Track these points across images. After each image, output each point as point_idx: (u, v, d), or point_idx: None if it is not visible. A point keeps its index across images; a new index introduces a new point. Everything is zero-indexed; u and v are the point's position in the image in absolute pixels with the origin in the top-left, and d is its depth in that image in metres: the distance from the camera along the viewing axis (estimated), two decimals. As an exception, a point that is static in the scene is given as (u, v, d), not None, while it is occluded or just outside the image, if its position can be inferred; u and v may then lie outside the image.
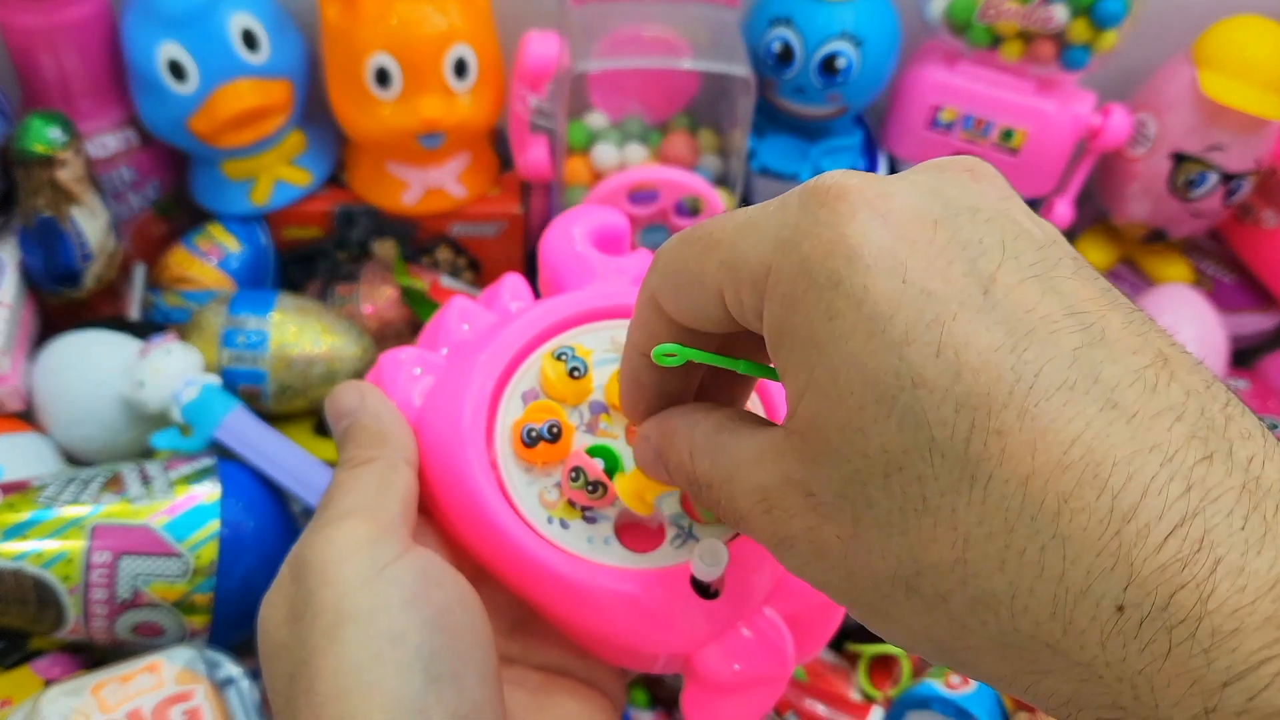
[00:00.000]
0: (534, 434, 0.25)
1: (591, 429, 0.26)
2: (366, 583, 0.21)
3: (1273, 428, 0.59)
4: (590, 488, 0.24)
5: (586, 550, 0.24)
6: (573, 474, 0.24)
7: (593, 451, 0.25)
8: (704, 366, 0.22)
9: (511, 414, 0.26)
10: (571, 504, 0.25)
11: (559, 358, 0.26)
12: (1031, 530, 0.15)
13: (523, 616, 0.26)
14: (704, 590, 0.24)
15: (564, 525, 0.24)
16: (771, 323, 0.17)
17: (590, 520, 0.25)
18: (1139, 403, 0.15)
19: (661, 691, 0.51)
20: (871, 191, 0.17)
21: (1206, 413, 0.15)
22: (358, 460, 0.24)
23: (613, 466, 0.25)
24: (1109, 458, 0.15)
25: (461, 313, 0.28)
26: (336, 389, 0.26)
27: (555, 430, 0.25)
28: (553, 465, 0.25)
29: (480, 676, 0.21)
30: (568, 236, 0.29)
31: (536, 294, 0.29)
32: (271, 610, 0.22)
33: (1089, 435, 0.15)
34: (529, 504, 0.25)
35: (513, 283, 0.29)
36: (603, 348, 0.27)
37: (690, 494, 0.21)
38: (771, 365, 0.19)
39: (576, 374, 0.26)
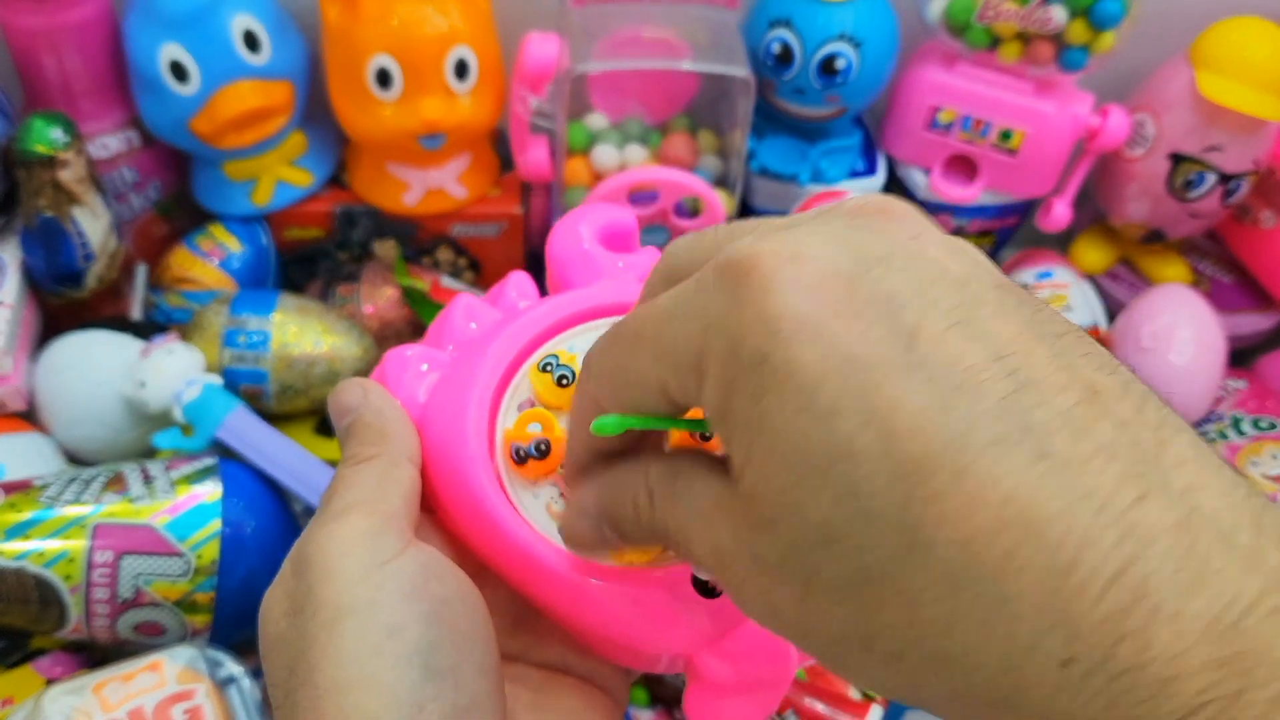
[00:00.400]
0: (522, 453, 0.25)
1: None
2: (366, 577, 0.21)
3: (1271, 428, 0.59)
4: None
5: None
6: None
7: None
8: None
9: (512, 415, 0.26)
10: None
11: (544, 369, 0.26)
12: (976, 592, 0.15)
13: (524, 614, 0.26)
14: (706, 590, 0.23)
15: None
16: (710, 405, 0.18)
17: None
18: (1069, 448, 0.15)
19: (662, 690, 0.51)
20: (783, 257, 0.17)
21: (1140, 444, 0.15)
22: (360, 457, 0.24)
23: None
24: (1044, 512, 0.15)
25: (467, 310, 0.28)
26: (339, 386, 0.26)
27: (544, 448, 0.25)
28: (546, 478, 0.25)
29: (479, 670, 0.21)
30: (575, 234, 0.29)
31: (543, 292, 0.29)
32: (272, 604, 0.22)
33: (1023, 491, 0.15)
34: (530, 503, 0.25)
35: (519, 280, 0.29)
36: None
37: (643, 544, 0.21)
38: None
39: (565, 382, 0.26)
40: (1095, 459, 0.15)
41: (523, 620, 0.26)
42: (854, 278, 0.16)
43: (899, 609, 0.16)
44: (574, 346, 0.27)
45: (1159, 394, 0.17)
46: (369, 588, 0.21)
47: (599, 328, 0.27)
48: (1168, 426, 0.16)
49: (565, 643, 0.25)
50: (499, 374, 0.26)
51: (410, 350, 0.27)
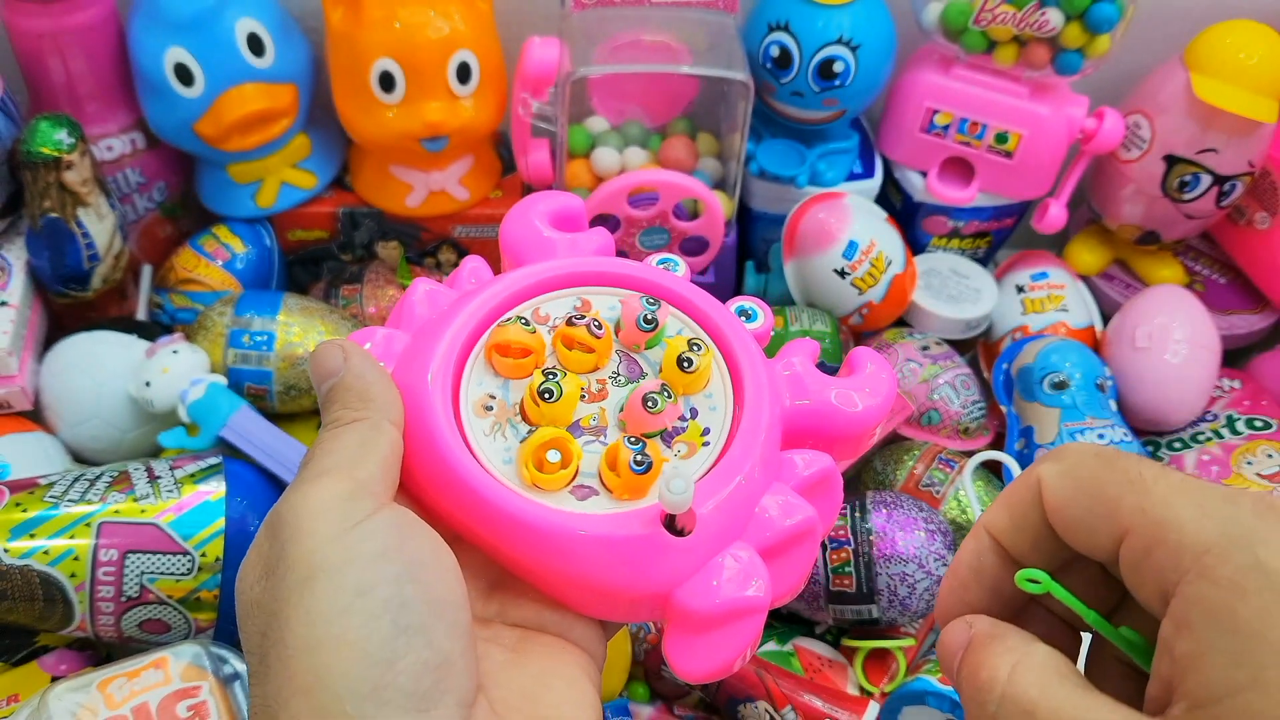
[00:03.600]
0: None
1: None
2: (338, 538, 0.21)
3: (1265, 427, 0.60)
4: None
5: (553, 498, 0.25)
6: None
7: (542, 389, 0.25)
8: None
9: (476, 378, 0.26)
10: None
11: (506, 322, 0.27)
12: None
13: (499, 578, 0.26)
14: (675, 528, 0.24)
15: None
16: (1198, 601, 0.18)
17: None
18: None
19: (662, 687, 0.52)
20: None
21: None
22: (341, 420, 0.24)
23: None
24: None
25: (427, 294, 0.29)
26: (318, 349, 0.26)
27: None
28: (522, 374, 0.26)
29: (451, 628, 0.21)
30: (526, 218, 0.30)
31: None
32: (247, 569, 0.22)
33: None
34: (497, 460, 0.25)
35: (474, 264, 0.30)
36: (559, 313, 0.28)
37: (970, 706, 0.21)
38: (1138, 636, 0.20)
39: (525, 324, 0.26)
40: None
41: (497, 584, 0.26)
42: None
43: None
44: (544, 310, 0.28)
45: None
46: (340, 548, 0.21)
47: (559, 297, 0.28)
48: None
49: (540, 602, 0.25)
50: (460, 343, 0.26)
51: (379, 332, 0.27)
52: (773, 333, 0.38)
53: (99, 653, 0.50)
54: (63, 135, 0.52)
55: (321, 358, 0.25)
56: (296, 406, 0.58)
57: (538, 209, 0.30)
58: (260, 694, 0.21)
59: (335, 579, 0.21)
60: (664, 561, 0.24)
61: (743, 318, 0.29)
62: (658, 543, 0.24)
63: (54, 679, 0.47)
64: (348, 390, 0.25)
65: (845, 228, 0.60)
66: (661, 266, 0.30)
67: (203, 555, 0.46)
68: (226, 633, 0.47)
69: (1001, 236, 0.69)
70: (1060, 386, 0.59)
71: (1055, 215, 0.64)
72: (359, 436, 0.24)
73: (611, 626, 0.27)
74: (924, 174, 0.65)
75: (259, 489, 0.50)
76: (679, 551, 0.24)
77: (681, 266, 0.30)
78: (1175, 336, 0.61)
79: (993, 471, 0.59)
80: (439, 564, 0.22)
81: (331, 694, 0.20)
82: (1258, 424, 0.61)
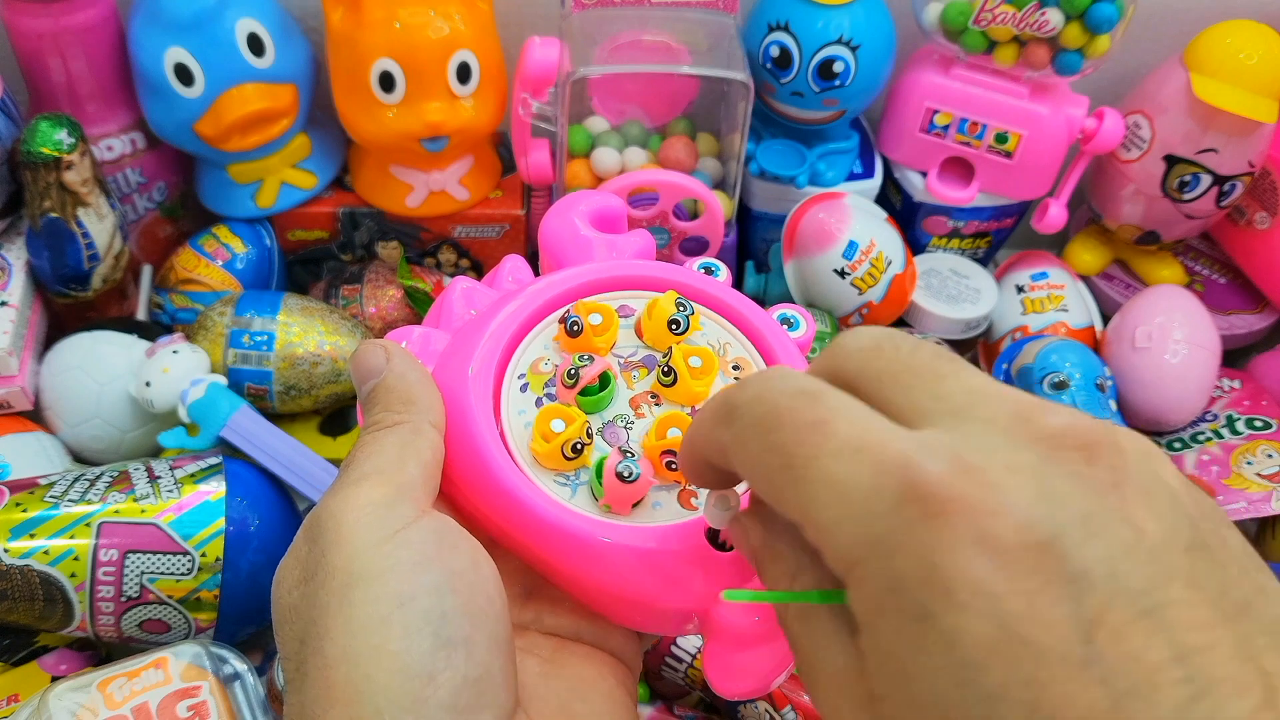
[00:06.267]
0: (577, 326, 0.26)
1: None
2: (378, 545, 0.21)
3: (1265, 427, 0.60)
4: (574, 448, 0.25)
5: (595, 509, 0.24)
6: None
7: (583, 395, 0.25)
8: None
9: (517, 382, 0.26)
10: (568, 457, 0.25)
11: (564, 323, 0.26)
12: None
13: (535, 584, 0.25)
14: (720, 544, 0.24)
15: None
16: (855, 607, 0.17)
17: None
18: None
19: (662, 686, 0.52)
20: (978, 504, 0.15)
21: None
22: (382, 423, 0.24)
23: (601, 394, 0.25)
24: None
25: (465, 293, 0.28)
26: (360, 348, 0.25)
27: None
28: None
29: (491, 640, 0.21)
30: (567, 218, 0.29)
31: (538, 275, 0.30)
32: (285, 574, 0.22)
33: None
34: (540, 471, 0.25)
35: (515, 263, 0.30)
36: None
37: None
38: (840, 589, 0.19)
39: (575, 329, 0.26)
40: None
41: (533, 590, 0.25)
42: (1047, 547, 0.15)
43: None
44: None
45: None
46: (380, 556, 0.21)
47: (600, 300, 0.28)
48: None
49: (576, 610, 0.25)
50: (501, 346, 0.26)
51: (416, 331, 0.27)
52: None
53: (99, 653, 0.50)
54: (63, 135, 0.52)
55: (364, 357, 0.25)
56: (296, 406, 0.58)
57: (578, 208, 0.30)
58: (297, 702, 0.21)
59: (376, 588, 0.20)
60: (707, 575, 0.24)
61: (785, 325, 0.29)
62: (701, 556, 0.24)
63: (54, 679, 0.47)
64: (390, 392, 0.24)
65: (845, 228, 0.60)
66: (702, 271, 0.29)
67: (203, 555, 0.46)
68: (227, 633, 0.47)
69: (1001, 236, 0.69)
70: (1060, 386, 0.59)
71: (1055, 215, 0.64)
72: (400, 440, 0.23)
73: (648, 636, 0.27)
74: (924, 174, 0.65)
75: (259, 489, 0.50)
76: (722, 565, 0.24)
77: (723, 272, 0.30)
78: (1175, 336, 0.61)
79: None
80: (479, 574, 0.22)
81: (372, 707, 0.19)
82: (1258, 424, 0.61)
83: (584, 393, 0.26)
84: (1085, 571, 0.15)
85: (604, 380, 0.26)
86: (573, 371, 0.26)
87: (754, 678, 0.24)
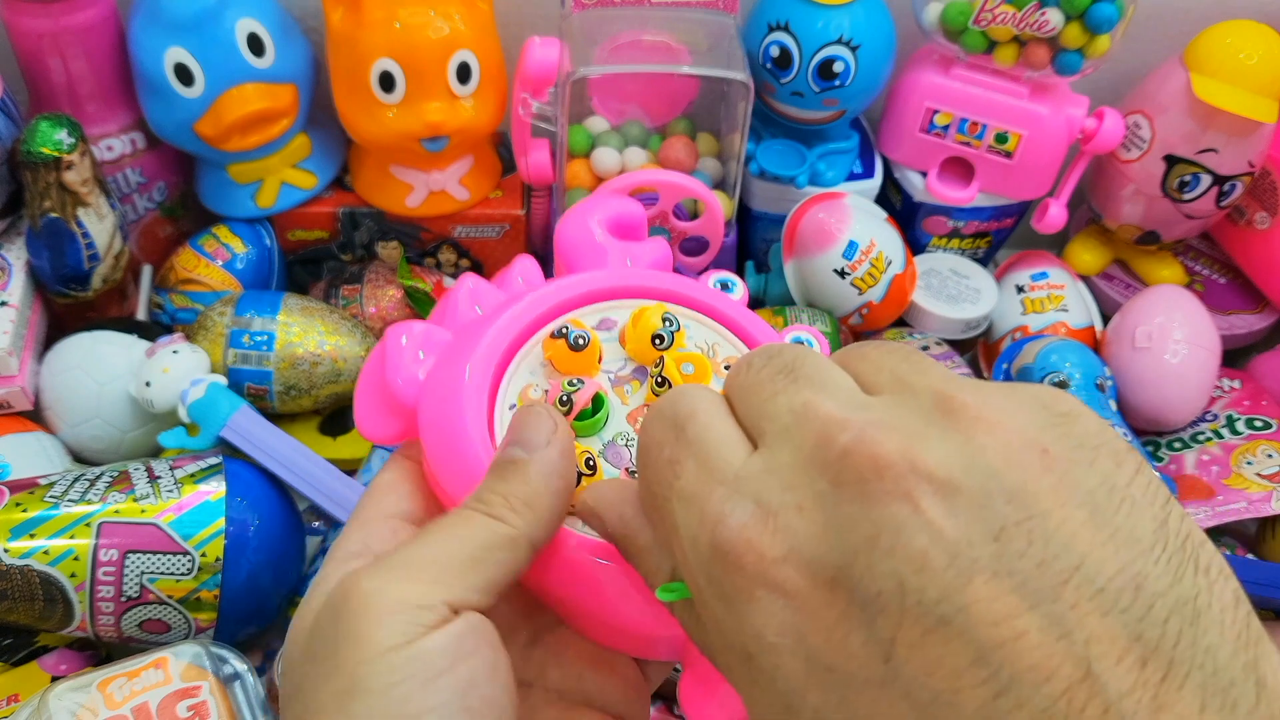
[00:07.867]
0: (579, 338, 0.25)
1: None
2: (393, 651, 0.20)
3: (1265, 427, 0.60)
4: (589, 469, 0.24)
5: (582, 527, 0.24)
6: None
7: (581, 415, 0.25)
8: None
9: (514, 391, 0.26)
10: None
11: (558, 336, 0.26)
12: None
13: (539, 631, 0.25)
14: None
15: None
16: (702, 630, 0.19)
17: None
18: None
19: (661, 686, 0.52)
20: (767, 554, 0.16)
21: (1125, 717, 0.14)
22: (489, 510, 0.22)
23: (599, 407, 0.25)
24: None
25: (472, 292, 0.28)
26: (534, 409, 0.23)
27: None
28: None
29: None
30: (583, 223, 0.29)
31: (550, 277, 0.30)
32: (298, 634, 0.21)
33: None
34: None
35: (526, 265, 0.29)
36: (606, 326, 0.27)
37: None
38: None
39: (580, 343, 0.26)
40: None
41: (538, 639, 0.25)
42: (836, 581, 0.16)
43: None
44: (589, 320, 0.27)
45: (1185, 609, 0.15)
46: (389, 669, 0.19)
47: (606, 309, 0.28)
48: (1170, 682, 0.14)
49: (582, 658, 0.25)
50: (499, 353, 0.26)
51: (417, 327, 0.27)
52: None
53: (99, 653, 0.50)
54: (63, 135, 0.52)
55: (530, 423, 0.23)
56: (296, 406, 0.58)
57: (595, 214, 0.29)
58: None
59: (379, 702, 0.19)
60: None
61: (721, 289, 0.29)
62: None
63: (54, 679, 0.47)
64: (525, 483, 0.22)
65: (845, 228, 0.60)
66: (718, 287, 0.29)
67: (203, 555, 0.46)
68: (226, 633, 0.47)
69: (1001, 236, 0.69)
70: (1060, 386, 0.59)
71: (1055, 215, 0.64)
72: (488, 542, 0.21)
73: (656, 673, 0.26)
74: (924, 174, 0.65)
75: (259, 489, 0.50)
76: None
77: (739, 289, 0.29)
78: (1175, 336, 0.61)
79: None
80: (494, 684, 0.21)
81: None
82: (1258, 424, 0.61)
83: (579, 418, 0.25)
84: (877, 594, 0.15)
85: (597, 402, 0.25)
86: (564, 399, 0.25)
87: (732, 706, 0.23)
